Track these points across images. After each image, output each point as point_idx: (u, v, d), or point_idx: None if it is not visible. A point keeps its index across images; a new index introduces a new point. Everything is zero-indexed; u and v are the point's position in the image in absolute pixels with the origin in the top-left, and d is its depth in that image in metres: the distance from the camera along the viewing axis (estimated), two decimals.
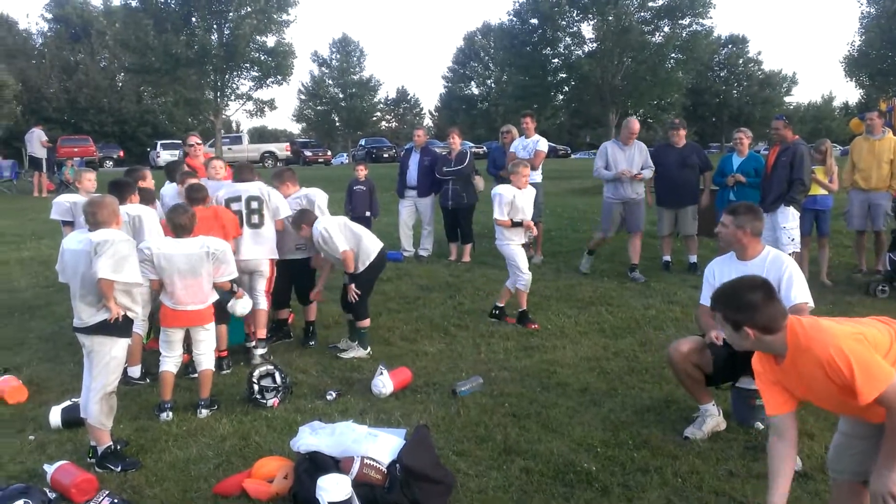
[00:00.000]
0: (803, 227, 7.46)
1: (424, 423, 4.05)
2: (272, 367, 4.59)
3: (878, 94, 32.14)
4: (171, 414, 4.34)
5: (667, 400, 4.47)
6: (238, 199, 5.48)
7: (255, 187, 5.54)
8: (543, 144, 8.89)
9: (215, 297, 4.51)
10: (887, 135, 8.12)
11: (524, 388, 4.78)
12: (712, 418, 3.95)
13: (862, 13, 29.14)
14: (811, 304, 3.83)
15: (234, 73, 28.21)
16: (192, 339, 4.46)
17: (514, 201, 6.12)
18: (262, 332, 5.54)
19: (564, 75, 24.22)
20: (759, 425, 3.94)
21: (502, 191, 6.17)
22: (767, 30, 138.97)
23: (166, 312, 4.39)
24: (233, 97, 29.07)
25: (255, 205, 5.46)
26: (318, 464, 3.25)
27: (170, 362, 4.40)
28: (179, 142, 33.98)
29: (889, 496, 2.37)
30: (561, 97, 26.91)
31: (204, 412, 4.38)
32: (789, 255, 6.85)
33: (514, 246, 6.23)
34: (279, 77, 27.99)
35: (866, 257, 8.16)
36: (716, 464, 3.60)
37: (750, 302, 2.51)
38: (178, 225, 4.39)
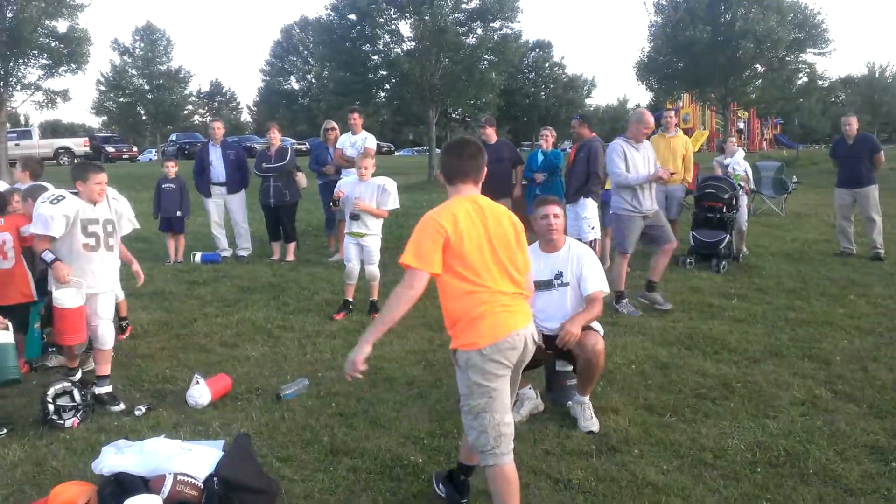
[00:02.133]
0: (604, 218, 8.15)
1: (245, 431, 3.87)
2: (69, 384, 4.15)
3: (665, 96, 35.78)
4: None
5: None
6: None
7: None
8: (371, 142, 8.88)
9: None
10: (679, 132, 9.08)
11: (351, 386, 4.71)
12: (530, 401, 4.15)
13: (650, 22, 32.10)
14: (606, 290, 4.15)
15: (20, 61, 25.21)
16: None
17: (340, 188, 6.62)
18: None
19: (385, 72, 24.33)
20: (571, 404, 4.20)
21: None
22: (569, 36, 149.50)
23: None
24: (18, 87, 25.92)
25: None
26: (125, 485, 2.97)
27: None
28: None
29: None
30: (382, 94, 27.01)
31: None
32: (590, 241, 7.54)
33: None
34: (73, 65, 25.26)
35: None
36: (533, 444, 3.78)
37: (447, 149, 3.00)
38: None
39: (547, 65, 58.65)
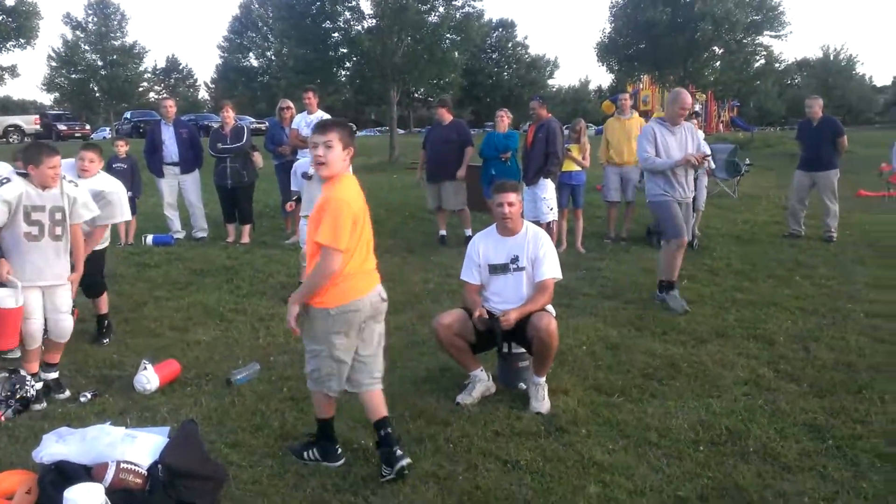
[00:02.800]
0: (561, 200, 8.21)
1: (194, 417, 3.83)
2: (6, 375, 4.04)
3: (626, 78, 36.09)
4: None
5: (442, 369, 4.64)
6: None
7: None
8: None
9: None
10: (634, 115, 9.16)
11: (304, 370, 4.68)
12: (482, 383, 4.17)
13: (612, 2, 32.25)
14: (559, 276, 4.21)
15: None
16: None
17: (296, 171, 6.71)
18: None
19: (345, 50, 24.01)
20: (522, 386, 4.24)
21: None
22: (532, 16, 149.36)
23: None
24: None
25: None
26: (66, 474, 2.92)
27: None
28: None
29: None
30: (343, 73, 26.67)
31: None
32: (548, 222, 7.59)
33: None
34: (21, 40, 24.46)
35: (615, 226, 9.11)
36: (483, 426, 3.81)
37: (349, 125, 3.36)
38: None
39: (510, 45, 58.71)
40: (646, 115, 27.70)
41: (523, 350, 4.23)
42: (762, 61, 36.04)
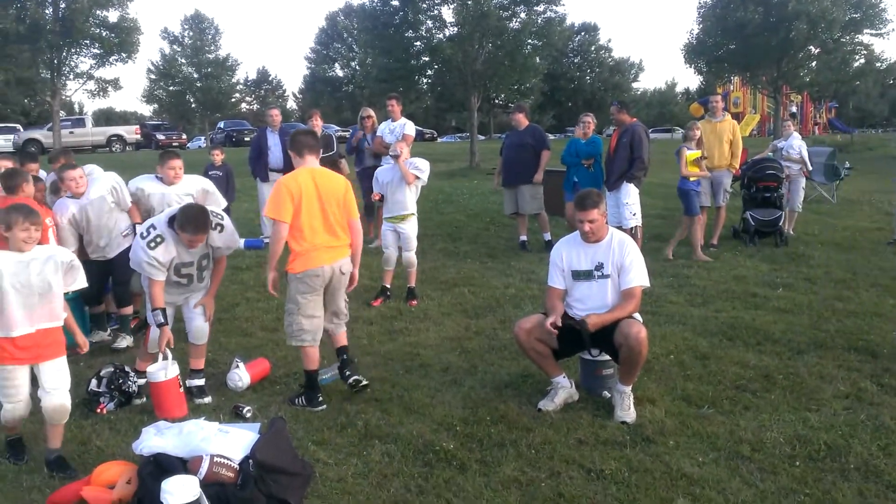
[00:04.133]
0: (692, 208, 7.97)
1: (282, 414, 3.95)
2: (111, 370, 4.28)
3: (715, 80, 34.88)
4: None
5: (523, 374, 4.62)
6: None
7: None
8: (410, 128, 8.87)
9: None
10: (727, 117, 8.85)
11: (387, 371, 4.77)
12: (564, 390, 4.12)
13: (699, 3, 31.21)
14: (647, 284, 4.09)
15: (73, 50, 25.92)
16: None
17: (377, 178, 6.76)
18: None
19: (427, 59, 24.25)
20: (606, 394, 4.16)
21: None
22: (615, 19, 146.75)
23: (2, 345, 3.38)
24: (71, 76, 26.69)
25: None
26: (164, 466, 3.06)
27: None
28: (13, 126, 31.08)
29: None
30: (425, 81, 26.94)
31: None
32: (631, 228, 7.40)
33: None
34: (123, 55, 25.88)
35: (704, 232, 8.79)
36: (566, 433, 3.75)
37: (302, 133, 4.39)
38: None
39: (592, 48, 57.91)
40: (736, 117, 26.75)
41: (608, 357, 4.15)
42: (862, 61, 34.07)
